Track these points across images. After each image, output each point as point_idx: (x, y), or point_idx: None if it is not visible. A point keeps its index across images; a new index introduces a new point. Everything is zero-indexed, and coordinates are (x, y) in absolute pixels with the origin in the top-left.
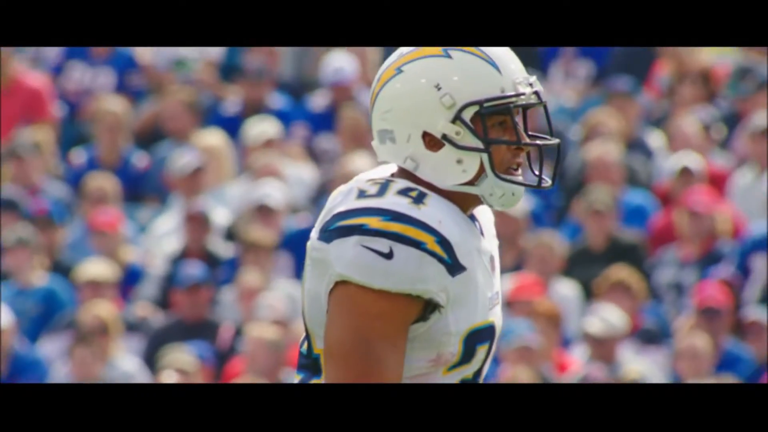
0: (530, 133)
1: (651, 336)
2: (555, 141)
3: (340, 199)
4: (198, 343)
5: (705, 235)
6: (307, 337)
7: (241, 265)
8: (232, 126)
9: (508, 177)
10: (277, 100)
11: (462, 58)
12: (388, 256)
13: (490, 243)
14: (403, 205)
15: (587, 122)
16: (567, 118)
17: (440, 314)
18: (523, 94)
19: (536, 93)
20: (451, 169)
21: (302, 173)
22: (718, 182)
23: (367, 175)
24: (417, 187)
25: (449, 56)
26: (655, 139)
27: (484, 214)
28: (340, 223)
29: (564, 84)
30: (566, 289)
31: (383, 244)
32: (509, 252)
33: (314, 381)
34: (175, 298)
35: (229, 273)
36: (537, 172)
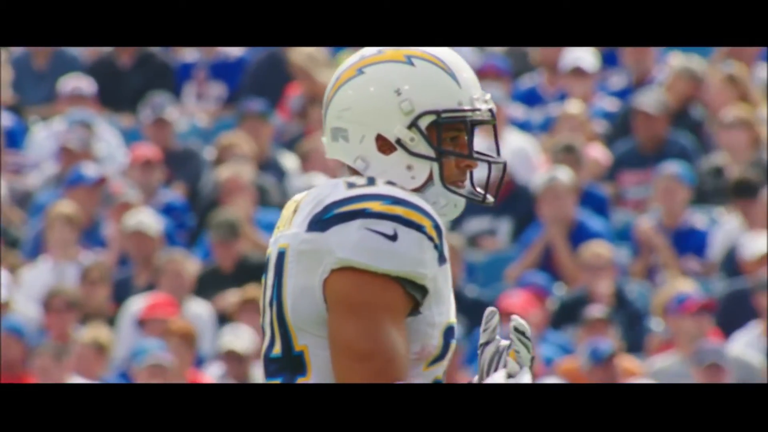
0: (476, 151)
1: None
2: (502, 160)
3: (328, 191)
4: None
5: None
6: (283, 337)
7: None
8: None
9: (455, 189)
10: None
11: (424, 67)
12: (393, 238)
13: None
14: (398, 191)
15: (220, 143)
16: (200, 139)
17: (428, 304)
18: (479, 110)
19: (490, 111)
20: (400, 173)
21: None
22: None
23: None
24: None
25: (412, 63)
26: (288, 160)
27: None
28: (338, 210)
29: (197, 105)
30: (199, 309)
31: (388, 227)
32: (143, 271)
33: (301, 380)
34: None
35: None
36: (479, 189)
